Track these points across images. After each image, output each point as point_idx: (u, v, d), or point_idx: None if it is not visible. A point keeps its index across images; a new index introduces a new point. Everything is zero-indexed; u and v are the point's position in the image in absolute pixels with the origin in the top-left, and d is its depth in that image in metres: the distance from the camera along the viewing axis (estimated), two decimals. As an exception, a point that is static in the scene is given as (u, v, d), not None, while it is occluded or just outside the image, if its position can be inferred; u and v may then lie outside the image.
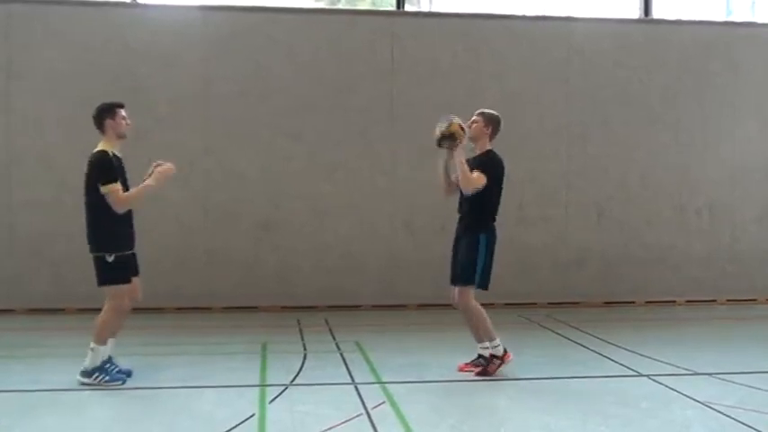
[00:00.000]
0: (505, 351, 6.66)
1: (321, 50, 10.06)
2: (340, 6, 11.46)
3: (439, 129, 6.47)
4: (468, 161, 6.58)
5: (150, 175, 6.37)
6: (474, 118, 6.72)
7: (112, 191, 6.13)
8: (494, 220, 6.68)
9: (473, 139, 6.67)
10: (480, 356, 6.73)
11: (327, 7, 11.35)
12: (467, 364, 6.78)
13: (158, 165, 6.41)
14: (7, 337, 8.25)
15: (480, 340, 6.70)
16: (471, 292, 6.61)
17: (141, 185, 6.35)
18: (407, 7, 10.62)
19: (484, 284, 6.60)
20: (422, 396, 6.07)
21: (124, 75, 9.55)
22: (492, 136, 6.72)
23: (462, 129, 6.48)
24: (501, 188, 6.67)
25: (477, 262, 6.53)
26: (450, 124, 6.45)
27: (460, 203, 6.75)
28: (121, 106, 6.41)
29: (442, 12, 10.90)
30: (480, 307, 6.62)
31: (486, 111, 6.76)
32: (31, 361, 7.12)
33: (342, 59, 10.08)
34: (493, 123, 6.70)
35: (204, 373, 6.68)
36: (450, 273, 6.74)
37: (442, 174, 6.79)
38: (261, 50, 9.96)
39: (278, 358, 7.23)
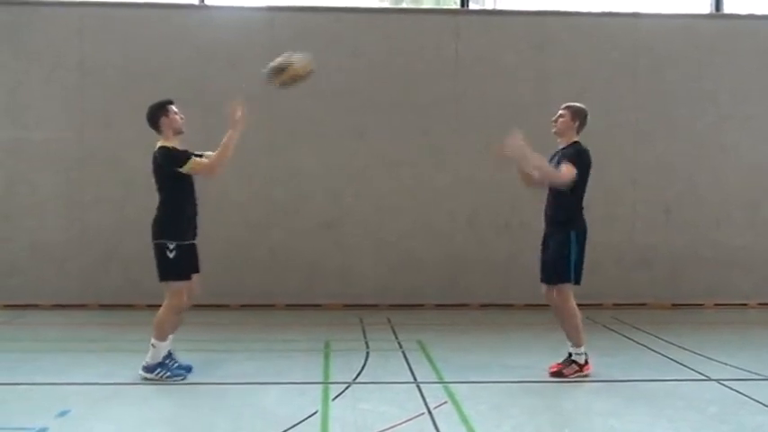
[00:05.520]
0: (586, 362, 6.56)
1: (385, 49, 10.09)
2: (404, 5, 11.46)
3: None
4: (555, 154, 6.55)
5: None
6: (560, 112, 6.61)
7: (195, 163, 6.24)
8: (582, 214, 6.55)
9: (559, 133, 6.59)
10: (571, 355, 6.64)
11: (391, 6, 11.36)
12: (558, 364, 6.64)
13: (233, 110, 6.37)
14: (81, 332, 8.51)
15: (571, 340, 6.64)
16: (570, 291, 6.53)
17: (225, 138, 6.32)
18: (471, 5, 10.57)
19: (577, 279, 6.50)
20: (484, 396, 6.02)
21: (191, 74, 9.75)
22: (579, 129, 6.59)
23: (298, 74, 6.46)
24: (587, 181, 6.52)
25: (570, 258, 6.41)
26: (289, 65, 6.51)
27: (547, 201, 6.64)
28: (171, 102, 6.50)
29: (506, 9, 10.79)
30: (577, 310, 6.52)
31: (573, 104, 6.64)
32: (103, 355, 7.30)
33: (406, 58, 10.09)
34: (579, 117, 6.58)
35: (267, 370, 6.76)
36: (541, 271, 6.64)
37: (521, 172, 6.66)
38: (325, 50, 9.97)
39: (340, 356, 7.28)
